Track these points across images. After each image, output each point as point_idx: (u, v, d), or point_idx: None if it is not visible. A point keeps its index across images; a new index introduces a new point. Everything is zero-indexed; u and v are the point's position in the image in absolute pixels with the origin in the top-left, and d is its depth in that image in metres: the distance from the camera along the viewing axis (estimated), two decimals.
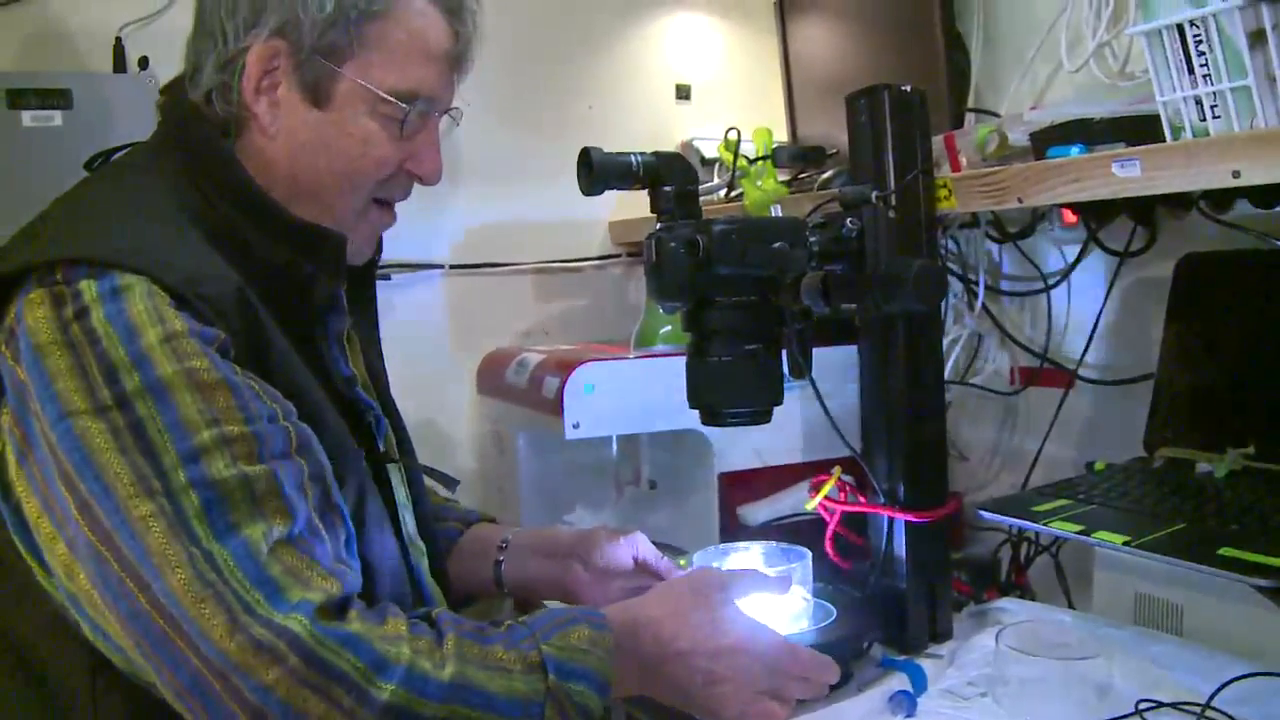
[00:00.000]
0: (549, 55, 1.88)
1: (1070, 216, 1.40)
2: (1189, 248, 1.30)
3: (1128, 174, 1.00)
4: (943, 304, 1.40)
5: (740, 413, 1.02)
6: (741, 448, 1.42)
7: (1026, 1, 1.51)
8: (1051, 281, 1.51)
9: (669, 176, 1.00)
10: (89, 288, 0.80)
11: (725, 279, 0.97)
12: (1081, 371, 1.48)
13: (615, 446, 1.61)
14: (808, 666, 0.95)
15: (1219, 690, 0.90)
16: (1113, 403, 1.45)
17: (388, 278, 1.73)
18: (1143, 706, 0.90)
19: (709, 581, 0.97)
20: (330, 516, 0.84)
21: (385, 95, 0.94)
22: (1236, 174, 0.91)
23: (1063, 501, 1.17)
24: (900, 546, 1.10)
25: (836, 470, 1.16)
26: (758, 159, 1.52)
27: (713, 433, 1.37)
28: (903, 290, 0.95)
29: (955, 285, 1.59)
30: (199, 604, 0.74)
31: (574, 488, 1.62)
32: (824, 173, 1.57)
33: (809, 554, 1.09)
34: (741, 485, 1.43)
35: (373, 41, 0.93)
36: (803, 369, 1.02)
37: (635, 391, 1.39)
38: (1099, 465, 1.29)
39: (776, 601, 1.03)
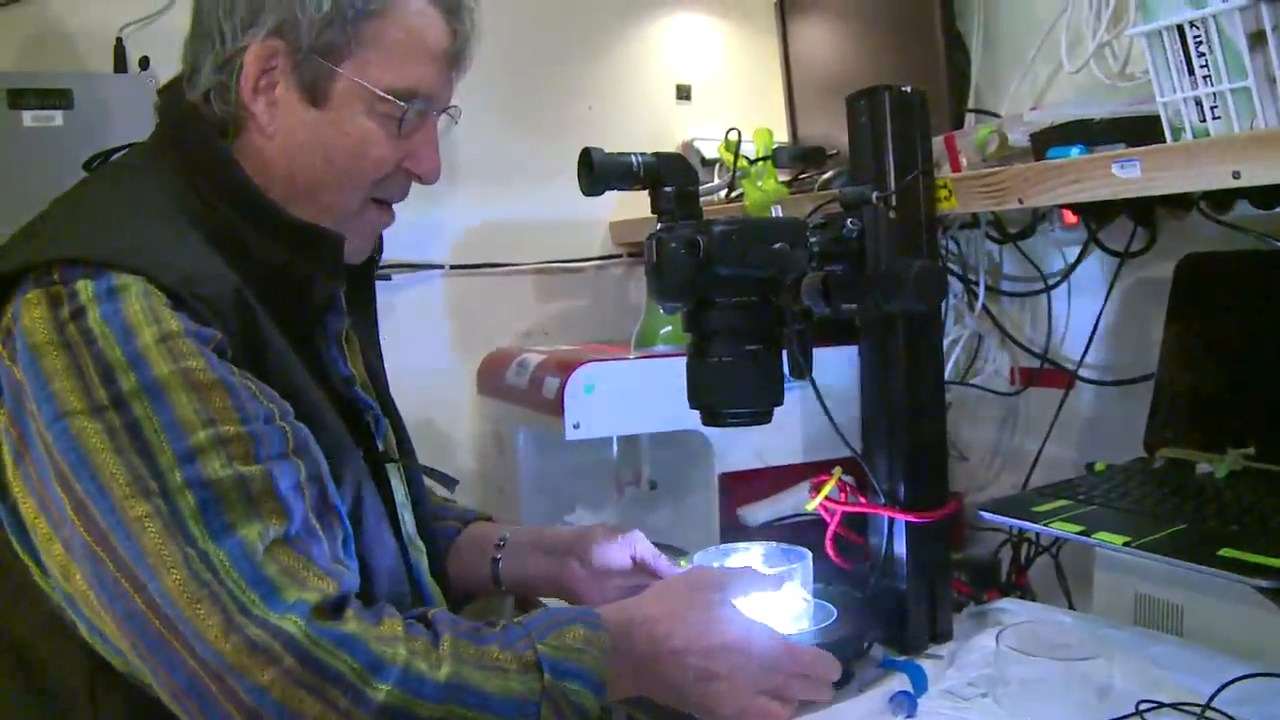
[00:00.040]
0: (549, 55, 1.88)
1: (1070, 217, 1.40)
2: (1189, 248, 1.30)
3: (1128, 175, 1.00)
4: (943, 304, 1.40)
5: (740, 413, 1.02)
6: (742, 448, 1.42)
7: (1027, 2, 1.51)
8: (1052, 282, 1.51)
9: (669, 177, 1.00)
10: (85, 288, 0.80)
11: (726, 279, 0.97)
12: (1082, 372, 1.48)
13: (616, 447, 1.61)
14: (806, 664, 0.94)
15: (1219, 691, 0.90)
16: (1113, 403, 1.45)
17: (388, 278, 1.73)
18: (1143, 707, 0.90)
19: (705, 580, 0.97)
20: (327, 517, 0.84)
21: (383, 94, 0.94)
22: (1236, 175, 0.91)
23: (1063, 502, 1.17)
24: (901, 547, 1.10)
25: (837, 471, 1.16)
26: (758, 159, 1.52)
27: (713, 433, 1.37)
28: (903, 290, 0.95)
29: (955, 286, 1.59)
30: (194, 605, 0.74)
31: (574, 488, 1.62)
32: (824, 173, 1.57)
33: (809, 554, 1.09)
34: (742, 486, 1.43)
35: (370, 40, 0.93)
36: (803, 369, 1.02)
37: (636, 392, 1.39)
38: (1099, 466, 1.29)
39: (775, 600, 1.03)
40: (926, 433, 1.11)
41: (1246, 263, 1.25)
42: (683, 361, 1.03)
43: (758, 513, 1.41)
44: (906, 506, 1.09)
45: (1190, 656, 1.01)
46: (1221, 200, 1.23)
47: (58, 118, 1.37)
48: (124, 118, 1.36)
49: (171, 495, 0.76)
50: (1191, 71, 0.96)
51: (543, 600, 1.17)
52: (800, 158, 1.67)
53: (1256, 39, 0.91)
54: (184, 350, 0.80)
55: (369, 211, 1.01)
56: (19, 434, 0.82)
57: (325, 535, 0.83)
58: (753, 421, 1.02)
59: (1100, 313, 1.45)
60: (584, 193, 0.99)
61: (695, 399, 1.03)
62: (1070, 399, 1.49)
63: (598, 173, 0.98)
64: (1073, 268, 1.48)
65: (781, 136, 1.82)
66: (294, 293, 0.94)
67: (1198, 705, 0.89)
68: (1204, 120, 0.97)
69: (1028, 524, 1.17)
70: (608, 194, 1.00)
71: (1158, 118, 1.01)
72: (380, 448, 1.03)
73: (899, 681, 1.02)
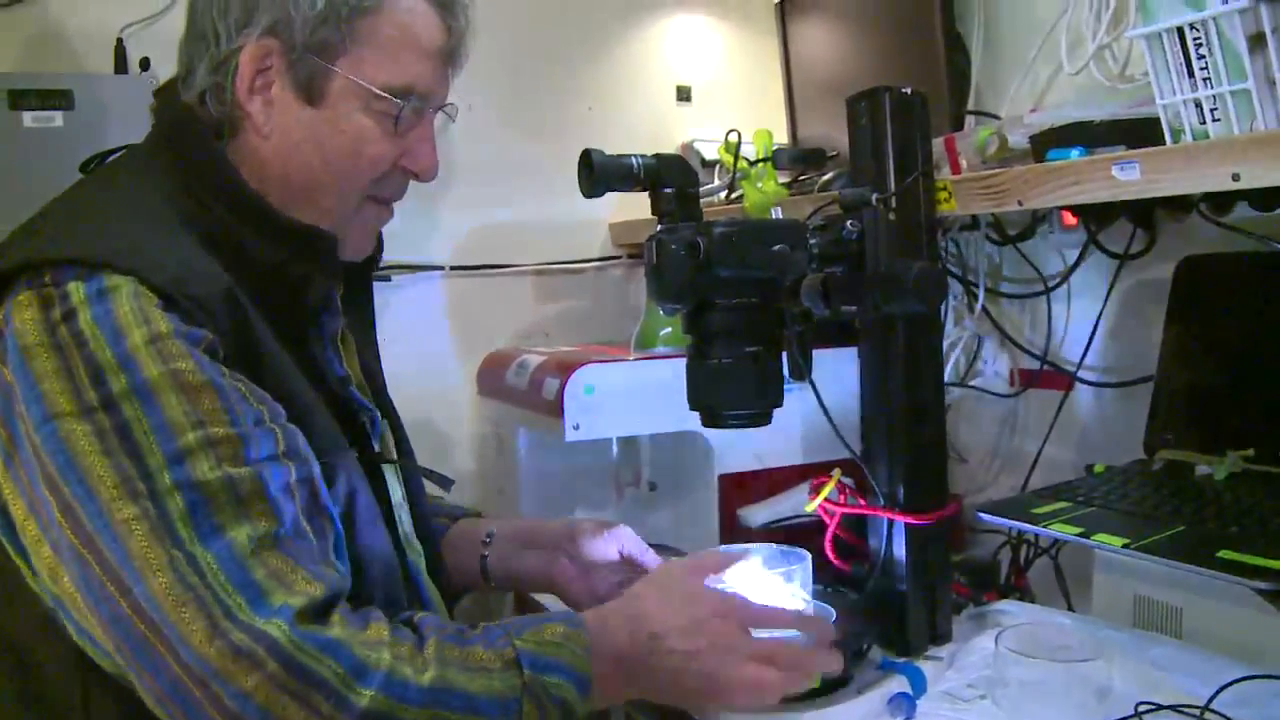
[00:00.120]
0: (549, 57, 1.88)
1: (1070, 219, 1.40)
2: (1189, 250, 1.30)
3: (1128, 177, 1.00)
4: (943, 306, 1.40)
5: (740, 414, 1.02)
6: (741, 449, 1.42)
7: (1027, 4, 1.51)
8: (1051, 284, 1.51)
9: (670, 178, 1.00)
10: (77, 290, 0.80)
11: (726, 281, 0.97)
12: (1081, 374, 1.48)
13: (615, 448, 1.61)
14: (790, 623, 0.95)
15: (1218, 693, 0.90)
16: (1112, 405, 1.45)
17: (388, 279, 1.73)
18: (1142, 709, 0.91)
19: (675, 568, 0.99)
20: (317, 518, 0.84)
21: (379, 91, 0.94)
22: (1236, 177, 0.91)
23: (1062, 504, 1.17)
24: (900, 549, 1.10)
25: (836, 472, 1.16)
26: (758, 161, 1.52)
27: (713, 434, 1.36)
28: (903, 292, 0.95)
29: (955, 287, 1.59)
30: (179, 608, 0.74)
31: (574, 489, 1.62)
32: (824, 175, 1.57)
33: (809, 556, 1.09)
34: (741, 487, 1.43)
35: (364, 38, 0.93)
36: (803, 371, 1.02)
37: (635, 393, 1.39)
38: (1098, 467, 1.29)
39: (759, 581, 1.03)
40: (926, 434, 1.11)
41: (1246, 264, 1.25)
42: (682, 363, 1.03)
43: (757, 514, 1.41)
44: (906, 508, 1.09)
45: (1189, 658, 1.01)
46: (1221, 202, 1.23)
47: (58, 118, 1.37)
48: (124, 118, 1.36)
49: (160, 497, 0.76)
50: (1191, 74, 0.96)
51: (535, 597, 1.18)
52: (800, 159, 1.67)
53: (1256, 41, 0.91)
54: (173, 351, 0.80)
55: (367, 210, 1.01)
56: (9, 435, 0.82)
57: (315, 537, 0.83)
58: (752, 423, 1.02)
59: (1100, 314, 1.45)
60: (584, 194, 0.99)
61: (695, 400, 1.03)
62: (1069, 401, 1.49)
63: (598, 174, 0.98)
64: (1072, 269, 1.48)
65: (781, 138, 1.82)
66: (288, 293, 0.94)
67: (1197, 707, 0.89)
68: (1204, 122, 0.97)
69: (1027, 526, 1.17)
70: (608, 195, 1.00)
71: (1157, 120, 1.01)
72: (376, 448, 1.03)
73: (898, 683, 1.02)
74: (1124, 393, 1.42)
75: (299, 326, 0.95)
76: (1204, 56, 0.94)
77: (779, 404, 1.03)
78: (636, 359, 1.47)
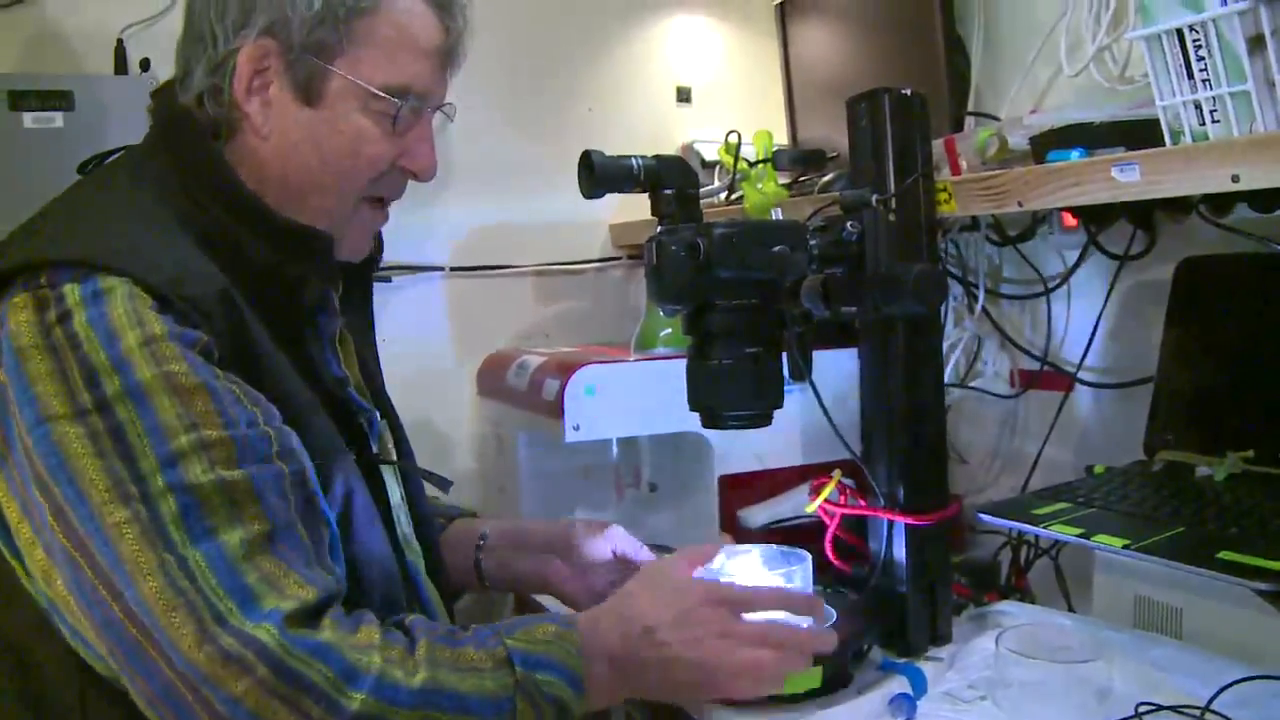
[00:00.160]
0: (549, 57, 1.88)
1: (1070, 220, 1.40)
2: (1188, 251, 1.30)
3: (1127, 178, 1.00)
4: (943, 307, 1.40)
5: (740, 415, 1.02)
6: (742, 450, 1.42)
7: (1027, 5, 1.51)
8: (1051, 285, 1.51)
9: (670, 179, 1.00)
10: (72, 291, 0.80)
11: (726, 282, 0.97)
12: (1081, 375, 1.48)
13: (615, 449, 1.61)
14: (779, 602, 0.95)
15: (1218, 693, 0.90)
16: (1112, 406, 1.45)
17: (389, 279, 1.73)
18: (1142, 710, 0.91)
19: (664, 564, 1.00)
20: (311, 521, 0.84)
21: (377, 91, 0.93)
22: (1236, 178, 0.91)
23: (1062, 505, 1.17)
24: (900, 549, 1.10)
25: (836, 473, 1.17)
26: (758, 162, 1.52)
27: (713, 435, 1.36)
28: (903, 293, 0.95)
29: (955, 288, 1.59)
30: (169, 613, 0.74)
31: (574, 490, 1.62)
32: (824, 176, 1.57)
33: (809, 557, 1.09)
34: (742, 488, 1.43)
35: (362, 38, 0.93)
36: (803, 372, 1.02)
37: (636, 394, 1.39)
38: (1098, 468, 1.29)
39: (760, 581, 1.04)
40: (926, 435, 1.11)
41: (1245, 266, 1.25)
42: (683, 364, 1.03)
43: (757, 515, 1.41)
44: (906, 509, 1.09)
45: (1189, 659, 1.02)
46: (1221, 203, 1.23)
47: (58, 119, 1.37)
48: (124, 119, 1.36)
49: (153, 500, 0.76)
50: (1191, 75, 0.96)
51: (536, 598, 1.18)
52: (800, 160, 1.67)
53: (1255, 43, 0.91)
54: (167, 354, 0.79)
55: (365, 210, 1.00)
56: (2, 437, 0.82)
57: (309, 540, 0.82)
58: (753, 424, 1.02)
59: (1100, 315, 1.45)
60: (584, 195, 1.00)
61: (695, 401, 1.03)
62: (1070, 402, 1.49)
63: (598, 175, 0.98)
64: (1072, 270, 1.48)
65: (781, 139, 1.82)
66: (285, 294, 0.93)
67: (1197, 708, 0.90)
68: (1203, 124, 0.97)
69: (1027, 527, 1.17)
70: (608, 196, 1.00)
71: (1157, 121, 1.01)
72: (375, 449, 1.03)
73: (898, 684, 1.02)
74: (1124, 394, 1.42)
75: (296, 327, 0.95)
76: (1203, 58, 0.95)
77: (779, 405, 1.03)
78: (637, 360, 1.47)
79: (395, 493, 1.05)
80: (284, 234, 0.93)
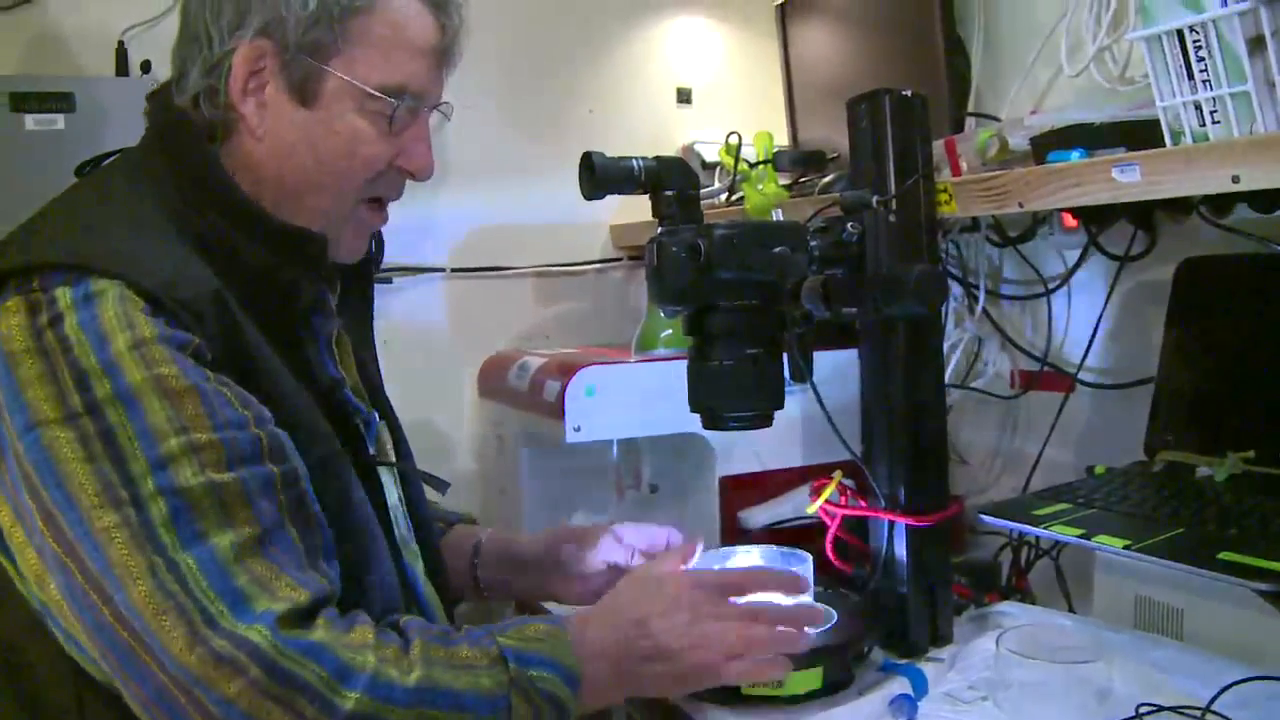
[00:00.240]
0: (550, 58, 1.89)
1: (1070, 221, 1.40)
2: (1189, 252, 1.30)
3: (1128, 179, 1.00)
4: (943, 308, 1.40)
5: (741, 416, 1.02)
6: (742, 451, 1.42)
7: (1027, 6, 1.51)
8: (1052, 285, 1.52)
9: (670, 181, 1.00)
10: (63, 294, 0.80)
11: (726, 283, 0.97)
12: (1082, 375, 1.48)
13: (616, 450, 1.61)
14: (764, 581, 0.97)
15: (1219, 694, 0.90)
16: (1113, 406, 1.45)
17: (389, 281, 1.73)
18: (1143, 710, 0.91)
19: (650, 564, 1.03)
20: (303, 523, 0.84)
21: (372, 91, 0.93)
22: (1236, 179, 0.91)
23: (1063, 505, 1.17)
24: (901, 550, 1.10)
25: (837, 474, 1.17)
26: (759, 163, 1.52)
27: (714, 436, 1.37)
28: (903, 294, 0.95)
29: (955, 289, 1.59)
30: (160, 616, 0.74)
31: (575, 491, 1.62)
32: (825, 177, 1.57)
33: (810, 558, 1.09)
34: (742, 489, 1.43)
35: (357, 37, 0.92)
36: (804, 373, 1.02)
37: (636, 395, 1.39)
38: (1099, 469, 1.29)
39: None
40: (927, 436, 1.11)
41: (1246, 266, 1.25)
42: (683, 365, 1.03)
43: (758, 516, 1.41)
44: (907, 510, 1.09)
45: (1190, 660, 1.02)
46: (1221, 204, 1.23)
47: (59, 121, 1.37)
48: (125, 121, 1.35)
49: (143, 503, 0.76)
50: (1191, 76, 0.96)
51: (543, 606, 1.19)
52: (801, 161, 1.67)
53: (1256, 44, 0.91)
54: (156, 357, 0.79)
55: (364, 211, 1.00)
56: None
57: (301, 542, 0.82)
58: (753, 425, 1.02)
59: (1100, 316, 1.45)
60: (585, 196, 1.00)
61: (696, 402, 1.03)
62: (1070, 402, 1.49)
63: (599, 177, 0.98)
64: (1073, 271, 1.48)
65: (782, 140, 1.82)
66: (280, 296, 0.93)
67: (1198, 708, 0.90)
68: (1203, 124, 0.97)
69: (1028, 527, 1.17)
70: (608, 197, 1.00)
71: (1157, 122, 1.01)
72: (372, 450, 1.02)
73: (899, 685, 1.02)
74: (1124, 394, 1.42)
75: (291, 329, 0.95)
76: (1204, 59, 0.95)
77: (780, 406, 1.03)
78: (637, 361, 1.47)
79: (393, 494, 1.05)
80: (279, 236, 0.93)
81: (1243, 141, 0.93)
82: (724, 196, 1.64)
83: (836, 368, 1.22)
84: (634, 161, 0.99)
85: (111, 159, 1.00)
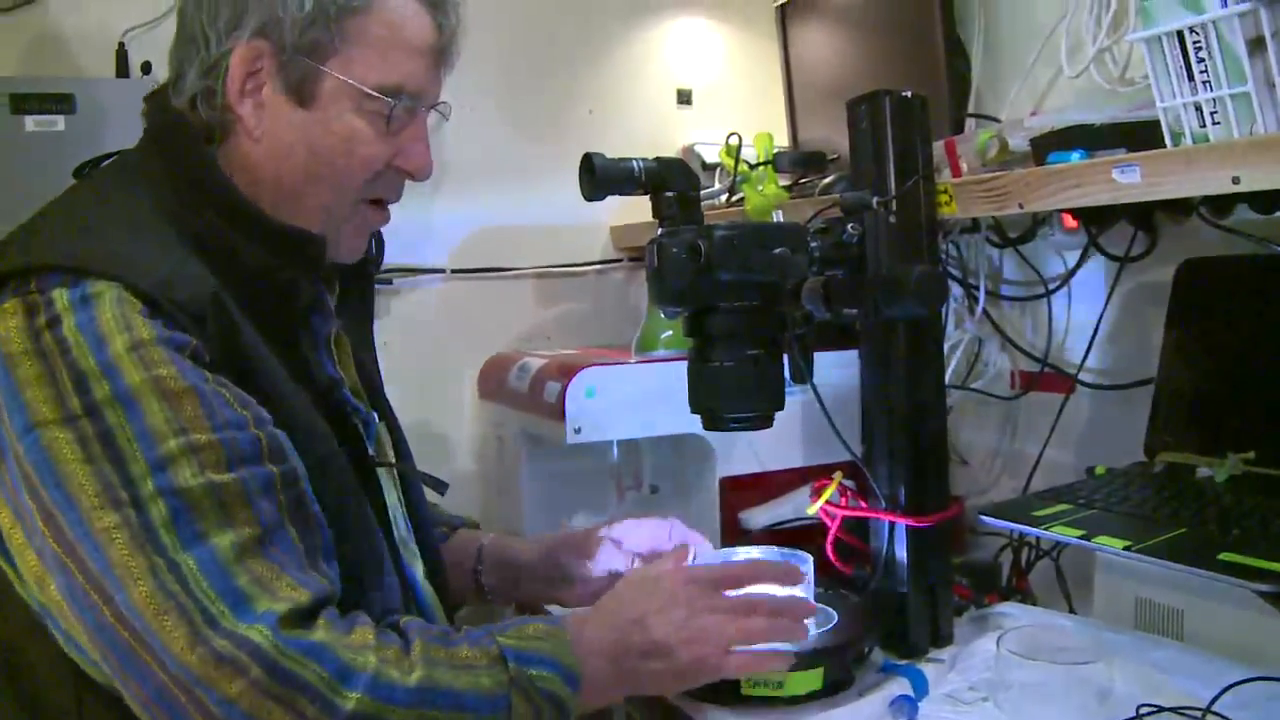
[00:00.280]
0: (550, 59, 1.89)
1: (1071, 221, 1.41)
2: (1189, 253, 1.30)
3: (1128, 179, 1.00)
4: (943, 309, 1.40)
5: (742, 417, 1.02)
6: (743, 452, 1.42)
7: (1027, 7, 1.51)
8: (1052, 286, 1.52)
9: (671, 181, 1.00)
10: (61, 296, 0.80)
11: (727, 284, 0.97)
12: (1082, 376, 1.48)
13: (616, 451, 1.61)
14: (760, 573, 0.98)
15: (1220, 695, 0.90)
16: (1113, 407, 1.45)
17: (389, 282, 1.73)
18: (1143, 711, 0.91)
19: (644, 567, 1.04)
20: (303, 523, 0.84)
21: (370, 91, 0.93)
22: (1236, 180, 0.91)
23: (1063, 506, 1.17)
24: (901, 551, 1.10)
25: (838, 475, 1.17)
26: (759, 164, 1.52)
27: (714, 437, 1.37)
28: (903, 295, 0.95)
29: (956, 290, 1.59)
30: (161, 616, 0.74)
31: (575, 492, 1.62)
32: (825, 178, 1.57)
33: (810, 558, 1.09)
34: (743, 490, 1.43)
35: (354, 37, 0.92)
36: (804, 374, 1.02)
37: (637, 396, 1.39)
38: (1099, 470, 1.29)
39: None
40: (927, 437, 1.11)
41: (1246, 267, 1.25)
42: (684, 366, 1.03)
43: (758, 517, 1.41)
44: (907, 511, 1.09)
45: (1191, 660, 1.02)
46: (1221, 205, 1.23)
47: (60, 122, 1.37)
48: (126, 122, 1.34)
49: (143, 504, 0.76)
50: (1191, 77, 0.96)
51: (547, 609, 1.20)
52: (801, 162, 1.67)
53: (1256, 45, 0.91)
54: (155, 358, 0.79)
55: (365, 211, 1.00)
56: None
57: (301, 542, 0.82)
58: (754, 426, 1.02)
59: (1100, 317, 1.45)
60: (585, 197, 1.00)
61: (696, 403, 1.03)
62: (1070, 403, 1.49)
63: (599, 178, 0.98)
64: (1073, 272, 1.48)
65: (782, 141, 1.82)
66: (278, 296, 0.93)
67: (1198, 709, 0.90)
68: (1204, 125, 0.97)
69: (1028, 528, 1.17)
70: (609, 198, 1.00)
71: (1158, 123, 1.01)
72: (371, 451, 1.02)
73: (899, 685, 1.02)
74: (1125, 395, 1.42)
75: (290, 330, 0.95)
76: (1204, 60, 0.95)
77: (780, 407, 1.03)
78: (638, 362, 1.47)
79: (392, 495, 1.05)
80: (277, 237, 0.93)
81: (1243, 142, 0.93)
82: (724, 197, 1.64)
83: (837, 369, 1.23)
84: (634, 162, 0.99)
85: (109, 161, 1.00)
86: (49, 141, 1.36)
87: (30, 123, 1.36)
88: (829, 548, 1.15)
